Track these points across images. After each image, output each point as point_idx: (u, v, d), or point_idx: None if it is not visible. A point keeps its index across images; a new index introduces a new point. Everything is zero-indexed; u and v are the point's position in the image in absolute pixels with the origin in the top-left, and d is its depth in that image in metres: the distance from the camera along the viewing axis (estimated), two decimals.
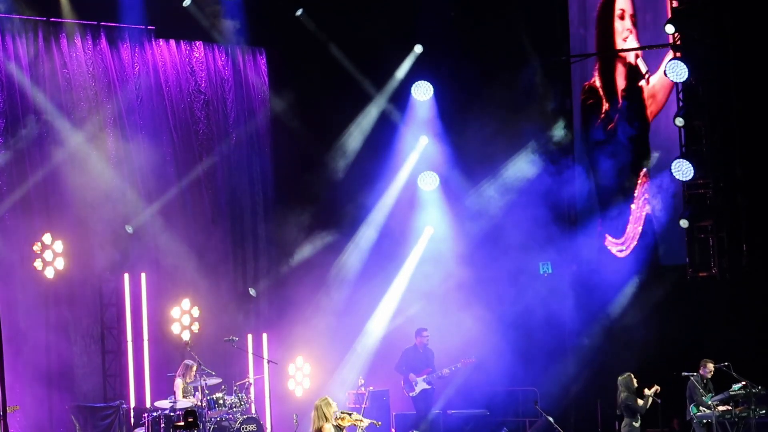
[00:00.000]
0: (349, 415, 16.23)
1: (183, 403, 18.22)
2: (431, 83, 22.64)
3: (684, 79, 20.31)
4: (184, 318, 20.87)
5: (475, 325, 21.44)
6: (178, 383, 18.72)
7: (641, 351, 20.90)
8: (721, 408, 18.05)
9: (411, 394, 20.33)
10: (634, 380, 17.65)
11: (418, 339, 20.58)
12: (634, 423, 17.53)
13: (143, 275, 20.45)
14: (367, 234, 22.47)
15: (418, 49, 22.67)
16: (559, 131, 22.14)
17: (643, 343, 20.98)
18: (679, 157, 20.47)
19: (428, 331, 20.57)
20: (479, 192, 22.36)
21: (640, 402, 17.51)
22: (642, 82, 21.88)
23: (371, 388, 20.66)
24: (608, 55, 22.08)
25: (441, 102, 22.69)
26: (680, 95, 20.60)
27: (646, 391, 17.55)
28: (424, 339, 20.55)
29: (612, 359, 21.15)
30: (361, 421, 16.29)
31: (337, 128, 22.48)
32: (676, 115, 20.40)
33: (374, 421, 16.55)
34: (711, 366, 18.44)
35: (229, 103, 22.01)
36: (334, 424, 15.78)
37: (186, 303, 20.90)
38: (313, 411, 15.55)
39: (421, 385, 20.29)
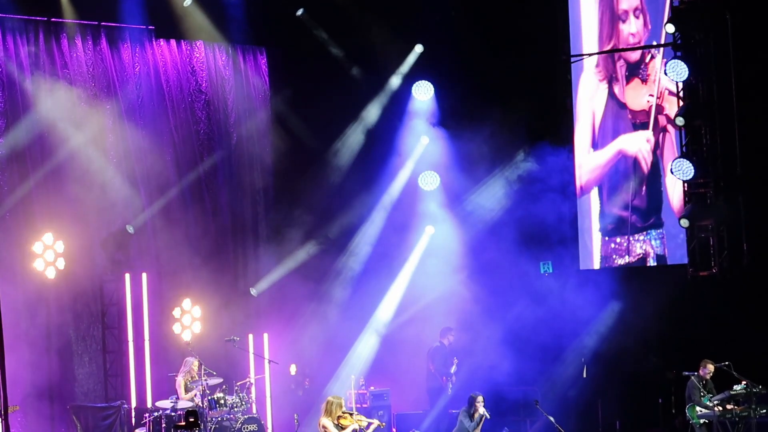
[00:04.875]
0: (351, 415, 16.27)
1: (184, 402, 18.25)
2: (432, 83, 22.65)
3: (684, 78, 20.29)
4: (185, 318, 20.91)
5: (475, 324, 21.45)
6: (180, 381, 18.75)
7: (641, 350, 20.91)
8: (721, 407, 18.05)
9: (449, 392, 20.49)
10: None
11: (445, 338, 20.85)
12: None
13: (144, 275, 20.45)
14: (368, 233, 22.49)
15: (419, 48, 22.67)
16: (558, 131, 22.14)
17: (643, 342, 20.98)
18: (679, 157, 20.46)
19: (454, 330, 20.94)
20: (480, 191, 22.36)
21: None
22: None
23: (372, 387, 20.71)
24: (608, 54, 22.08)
25: (442, 101, 22.69)
26: (681, 94, 20.59)
27: None
28: (451, 338, 20.88)
29: (613, 359, 21.16)
30: (361, 421, 16.34)
31: (338, 128, 22.50)
32: (677, 115, 20.39)
33: (378, 422, 16.62)
34: (711, 367, 18.43)
35: (229, 103, 22.02)
36: (335, 422, 15.97)
37: (187, 303, 20.94)
38: (324, 403, 15.91)
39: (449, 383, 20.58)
